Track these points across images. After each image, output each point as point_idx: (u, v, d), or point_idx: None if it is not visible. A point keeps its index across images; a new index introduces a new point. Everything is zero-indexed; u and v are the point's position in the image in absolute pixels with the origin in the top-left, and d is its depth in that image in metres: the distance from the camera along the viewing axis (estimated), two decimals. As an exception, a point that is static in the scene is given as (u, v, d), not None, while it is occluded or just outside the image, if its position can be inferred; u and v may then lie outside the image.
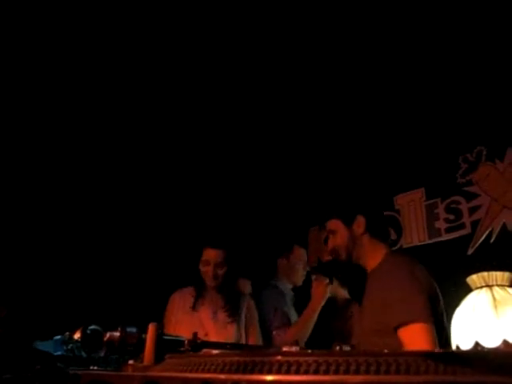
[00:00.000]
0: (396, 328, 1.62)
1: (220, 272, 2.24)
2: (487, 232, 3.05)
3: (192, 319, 2.21)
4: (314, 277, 2.67)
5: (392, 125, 3.41)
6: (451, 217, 3.25)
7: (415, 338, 1.57)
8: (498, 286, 2.59)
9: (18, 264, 2.72)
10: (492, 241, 3.02)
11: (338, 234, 1.92)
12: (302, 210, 4.02)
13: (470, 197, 3.19)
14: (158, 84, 3.08)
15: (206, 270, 2.24)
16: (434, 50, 2.89)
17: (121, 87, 3.01)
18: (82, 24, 2.60)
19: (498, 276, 2.61)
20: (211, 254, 2.26)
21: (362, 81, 3.15)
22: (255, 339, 2.28)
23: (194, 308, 2.26)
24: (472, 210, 3.16)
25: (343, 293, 2.78)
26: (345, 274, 2.71)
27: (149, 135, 3.36)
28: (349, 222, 1.92)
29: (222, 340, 1.60)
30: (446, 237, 3.25)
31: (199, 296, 2.29)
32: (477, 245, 3.07)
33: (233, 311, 2.26)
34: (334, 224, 1.94)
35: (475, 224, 3.12)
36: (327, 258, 1.99)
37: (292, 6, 2.56)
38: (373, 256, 1.88)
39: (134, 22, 2.65)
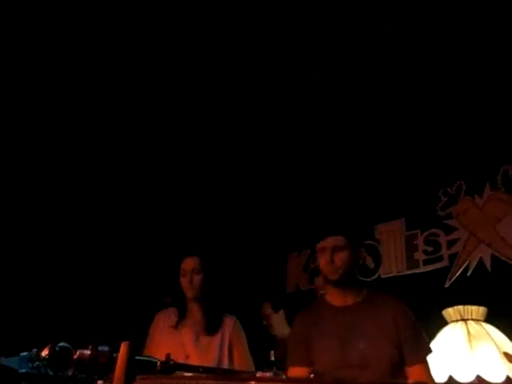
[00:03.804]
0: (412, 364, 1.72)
1: (196, 278, 2.20)
2: (464, 266, 3.09)
3: (174, 341, 2.16)
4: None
5: (376, 155, 3.46)
6: (430, 249, 3.28)
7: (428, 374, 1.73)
8: (473, 320, 2.60)
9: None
10: (469, 274, 3.05)
11: (345, 251, 1.83)
12: (281, 236, 4.01)
13: (449, 230, 3.23)
14: (157, 85, 3.06)
15: (185, 279, 2.21)
16: (417, 86, 2.96)
17: (121, 87, 2.99)
18: (82, 24, 2.59)
19: (474, 310, 2.63)
20: (186, 263, 2.25)
21: (347, 111, 3.20)
22: (242, 362, 2.19)
23: (176, 327, 2.22)
24: (450, 244, 3.20)
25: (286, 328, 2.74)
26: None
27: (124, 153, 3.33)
28: (354, 247, 1.87)
29: (203, 363, 1.55)
30: (423, 268, 3.28)
31: (182, 315, 2.25)
32: (454, 278, 3.10)
33: (215, 332, 2.21)
34: (344, 241, 1.85)
35: (453, 257, 3.16)
36: (334, 276, 1.84)
37: (292, 6, 2.58)
38: (357, 288, 1.88)
39: (134, 22, 2.64)
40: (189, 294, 2.22)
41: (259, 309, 3.74)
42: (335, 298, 1.89)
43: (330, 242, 1.86)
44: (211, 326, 2.20)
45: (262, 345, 3.12)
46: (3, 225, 2.89)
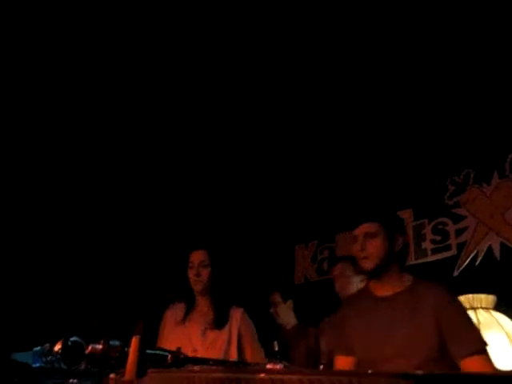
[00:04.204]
0: (464, 357, 1.58)
1: (203, 272, 2.20)
2: (473, 254, 3.08)
3: (181, 335, 2.17)
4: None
5: (382, 146, 3.44)
6: (438, 238, 3.27)
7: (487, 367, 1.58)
8: (482, 308, 2.60)
9: None
10: (477, 263, 3.04)
11: (378, 238, 1.74)
12: (289, 228, 4.01)
13: (457, 219, 3.22)
14: (156, 85, 3.07)
15: (191, 274, 2.22)
16: (424, 74, 2.94)
17: (121, 87, 3.00)
18: (82, 24, 2.60)
19: (483, 299, 2.63)
20: (194, 256, 2.25)
21: (354, 103, 3.19)
22: (253, 353, 2.17)
23: (183, 321, 2.22)
24: (458, 232, 3.19)
25: (292, 319, 2.76)
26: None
27: (129, 147, 3.34)
28: (390, 233, 1.76)
29: (210, 357, 1.55)
30: (432, 258, 3.27)
31: (189, 309, 2.26)
32: (462, 267, 3.09)
33: (223, 326, 2.22)
34: (376, 227, 1.75)
35: (461, 246, 3.14)
36: (367, 265, 1.73)
37: (292, 6, 2.57)
38: (397, 277, 1.77)
39: (134, 22, 2.64)
40: (196, 287, 2.22)
41: (268, 300, 3.76)
42: (376, 287, 1.81)
43: (361, 229, 1.77)
44: (219, 320, 2.21)
45: (267, 335, 3.15)
46: (16, 221, 2.92)
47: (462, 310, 1.71)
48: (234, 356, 2.16)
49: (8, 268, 2.76)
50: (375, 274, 1.76)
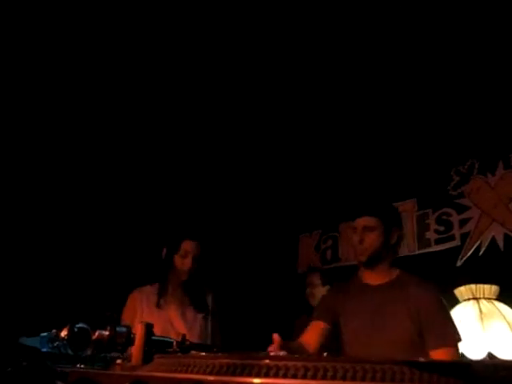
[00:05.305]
0: (432, 348, 1.68)
1: (195, 265, 2.21)
2: (476, 245, 3.08)
3: (160, 317, 2.11)
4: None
5: (387, 135, 3.44)
6: (441, 228, 3.28)
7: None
8: (484, 298, 2.61)
9: (6, 260, 2.69)
10: (481, 254, 3.05)
11: (376, 232, 1.83)
12: (292, 217, 4.03)
13: (461, 209, 3.22)
14: (158, 84, 3.08)
15: (185, 262, 2.18)
16: (428, 63, 2.92)
17: (121, 87, 3.01)
18: (82, 24, 2.59)
19: (486, 289, 2.64)
20: (191, 246, 2.19)
21: (357, 92, 3.18)
22: (215, 335, 2.25)
23: (158, 306, 2.18)
24: (462, 223, 3.19)
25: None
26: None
27: (133, 133, 3.33)
28: (387, 226, 1.86)
29: (192, 339, 1.54)
30: (435, 248, 3.27)
31: (164, 294, 2.23)
32: (466, 257, 3.10)
33: (200, 308, 2.23)
34: (374, 221, 1.84)
35: (465, 236, 3.15)
36: (363, 256, 1.85)
37: (292, 6, 2.57)
38: (388, 268, 1.88)
39: (134, 22, 2.65)
40: (183, 276, 2.19)
41: (271, 290, 3.78)
42: (367, 276, 1.91)
43: (360, 221, 1.87)
44: (198, 303, 2.22)
45: (268, 322, 3.17)
46: (22, 208, 2.94)
47: (441, 305, 1.78)
48: (209, 334, 2.20)
49: (15, 256, 2.79)
50: (369, 265, 1.87)
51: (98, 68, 2.88)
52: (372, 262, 1.86)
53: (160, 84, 3.10)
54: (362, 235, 1.85)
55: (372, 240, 1.83)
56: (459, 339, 1.71)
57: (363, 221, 1.86)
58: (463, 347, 2.41)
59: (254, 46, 2.84)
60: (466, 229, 3.16)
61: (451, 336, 1.71)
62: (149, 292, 2.24)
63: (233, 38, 2.79)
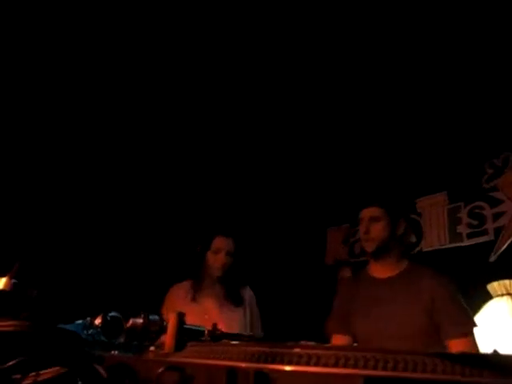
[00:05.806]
0: (450, 338, 1.68)
1: (229, 261, 2.24)
2: (510, 240, 3.00)
3: (196, 309, 2.16)
4: None
5: (419, 127, 3.38)
6: (474, 222, 3.21)
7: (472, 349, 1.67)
8: (518, 294, 2.56)
9: (47, 249, 2.77)
10: (515, 249, 2.97)
11: (382, 222, 1.85)
12: (321, 211, 4.02)
13: (495, 203, 3.14)
14: (158, 83, 3.09)
15: (218, 258, 2.22)
16: (462, 55, 2.85)
17: (121, 87, 3.03)
18: (82, 24, 2.61)
19: (520, 284, 2.58)
20: (224, 242, 2.25)
21: (389, 81, 3.13)
22: (258, 329, 2.28)
23: (194, 300, 2.23)
24: (496, 217, 3.11)
25: None
26: None
27: (156, 125, 3.36)
28: (393, 217, 1.87)
29: (229, 330, 1.58)
30: (467, 242, 3.21)
31: (198, 289, 2.27)
32: (499, 252, 3.03)
33: (237, 302, 2.27)
34: (380, 212, 1.86)
35: (498, 231, 3.07)
36: (369, 246, 1.86)
37: (292, 6, 2.55)
38: (396, 260, 1.87)
39: (134, 22, 2.65)
40: (217, 272, 2.23)
41: (298, 282, 3.79)
42: (375, 269, 1.92)
43: (366, 212, 1.90)
44: (235, 298, 2.25)
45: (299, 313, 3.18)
46: (59, 206, 3.01)
47: (455, 293, 1.77)
48: (248, 329, 2.23)
49: (60, 249, 2.88)
50: (376, 255, 1.87)
51: (98, 68, 2.89)
52: (379, 253, 1.86)
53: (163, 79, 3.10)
54: (367, 226, 1.86)
55: (378, 230, 1.84)
56: (475, 325, 1.72)
57: (369, 211, 1.88)
58: (496, 344, 2.37)
59: (255, 46, 2.83)
60: (500, 223, 3.08)
61: (468, 323, 1.71)
62: (187, 287, 2.31)
63: (233, 38, 2.78)
